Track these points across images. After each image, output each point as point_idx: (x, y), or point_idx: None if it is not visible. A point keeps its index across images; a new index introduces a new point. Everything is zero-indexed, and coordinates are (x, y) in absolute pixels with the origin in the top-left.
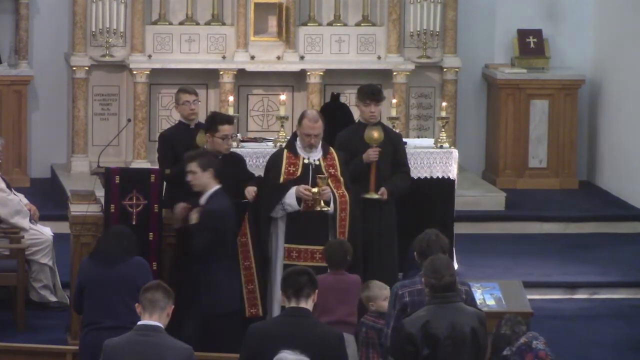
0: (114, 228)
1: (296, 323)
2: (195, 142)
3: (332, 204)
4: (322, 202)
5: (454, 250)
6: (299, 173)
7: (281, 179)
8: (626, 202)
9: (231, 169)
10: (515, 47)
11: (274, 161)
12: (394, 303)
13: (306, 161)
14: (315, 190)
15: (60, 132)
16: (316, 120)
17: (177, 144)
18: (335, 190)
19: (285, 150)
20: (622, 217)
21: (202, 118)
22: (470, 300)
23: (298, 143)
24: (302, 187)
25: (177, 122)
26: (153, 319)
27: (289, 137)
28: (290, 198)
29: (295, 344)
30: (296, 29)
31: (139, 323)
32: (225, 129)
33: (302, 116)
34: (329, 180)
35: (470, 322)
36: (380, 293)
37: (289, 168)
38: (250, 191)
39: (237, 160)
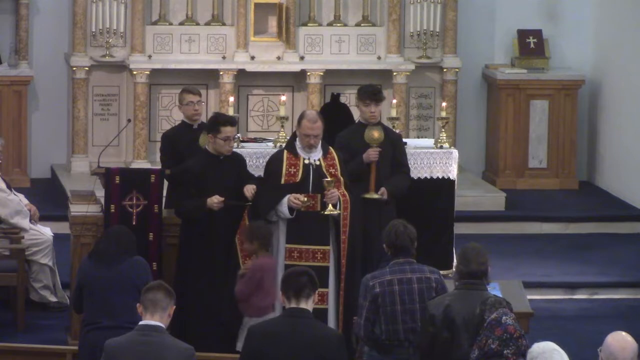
0: (113, 228)
1: (296, 323)
2: (198, 142)
3: (338, 207)
4: (329, 205)
5: (454, 251)
6: (299, 174)
7: (282, 181)
8: (626, 202)
9: (232, 169)
10: (515, 47)
11: (274, 163)
12: (364, 294)
13: (306, 161)
14: (304, 198)
15: (60, 132)
16: (315, 120)
17: (179, 144)
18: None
19: (285, 151)
20: (622, 217)
21: (204, 118)
22: (441, 290)
23: (297, 143)
24: (292, 197)
25: (180, 122)
26: (154, 319)
27: (288, 138)
28: (283, 206)
29: (295, 344)
30: (296, 29)
31: (140, 323)
32: (227, 130)
33: (301, 117)
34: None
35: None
36: None
37: (290, 169)
38: (250, 189)
39: (238, 161)
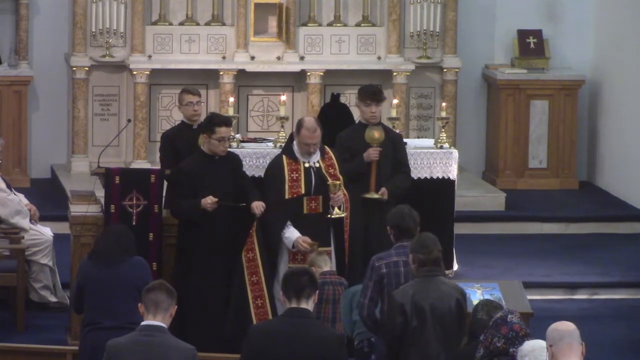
0: (112, 228)
1: (297, 323)
2: (197, 142)
3: (342, 208)
4: (335, 208)
5: (454, 251)
6: (302, 178)
7: (286, 187)
8: (626, 202)
9: (227, 169)
10: (515, 47)
11: (275, 169)
12: (370, 275)
13: (307, 165)
14: (312, 242)
15: (60, 132)
16: (314, 130)
17: (179, 145)
18: None
19: (284, 156)
20: (622, 217)
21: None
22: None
23: (295, 147)
24: (301, 239)
25: (179, 122)
26: (157, 320)
27: (286, 141)
28: (288, 241)
29: (295, 344)
30: (296, 29)
31: (142, 323)
32: (222, 131)
33: (300, 125)
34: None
35: (454, 294)
36: (319, 258)
37: (292, 174)
38: (259, 206)
39: (234, 161)
